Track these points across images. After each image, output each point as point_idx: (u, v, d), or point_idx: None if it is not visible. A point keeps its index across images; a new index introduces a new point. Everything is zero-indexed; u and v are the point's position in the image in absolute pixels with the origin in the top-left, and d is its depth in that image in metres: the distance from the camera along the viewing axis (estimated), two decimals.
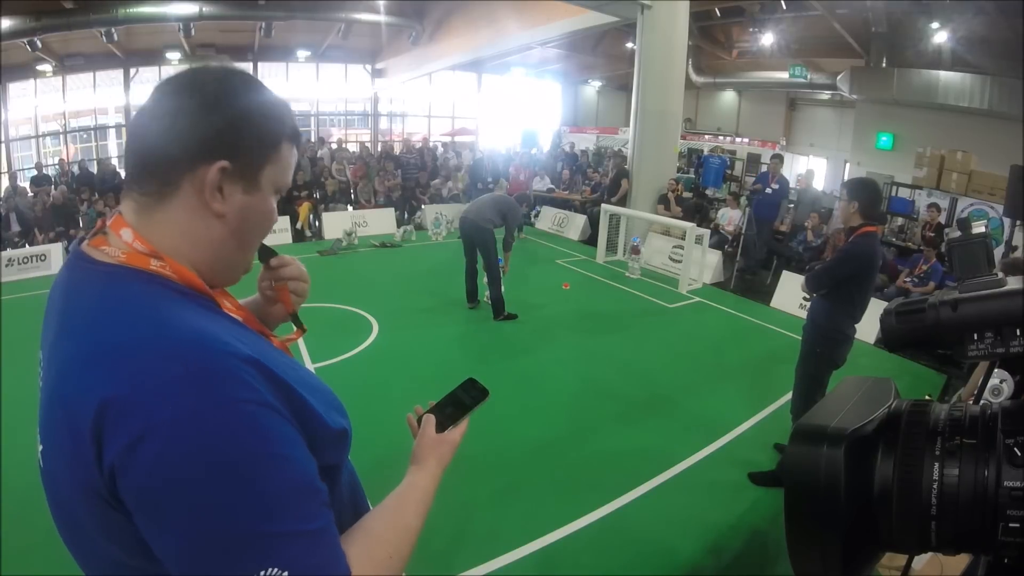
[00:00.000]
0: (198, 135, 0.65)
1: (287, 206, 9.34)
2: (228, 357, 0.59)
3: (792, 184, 9.01)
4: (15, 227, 8.10)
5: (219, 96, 0.66)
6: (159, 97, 0.67)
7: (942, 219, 7.15)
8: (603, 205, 8.36)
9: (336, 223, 9.05)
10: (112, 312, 0.60)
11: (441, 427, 0.88)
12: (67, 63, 12.23)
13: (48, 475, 0.62)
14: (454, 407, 0.90)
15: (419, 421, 0.89)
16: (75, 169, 10.10)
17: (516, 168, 10.45)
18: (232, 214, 0.69)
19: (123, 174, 10.81)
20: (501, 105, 19.63)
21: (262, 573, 0.55)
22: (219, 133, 0.65)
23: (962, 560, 0.73)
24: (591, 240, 9.01)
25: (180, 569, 0.56)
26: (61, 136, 13.68)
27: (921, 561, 1.80)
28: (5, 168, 12.16)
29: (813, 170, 10.52)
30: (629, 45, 14.23)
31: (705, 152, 13.31)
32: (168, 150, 0.64)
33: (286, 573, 0.56)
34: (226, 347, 0.59)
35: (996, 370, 0.68)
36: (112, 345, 0.57)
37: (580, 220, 9.82)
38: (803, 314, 4.13)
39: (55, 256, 7.52)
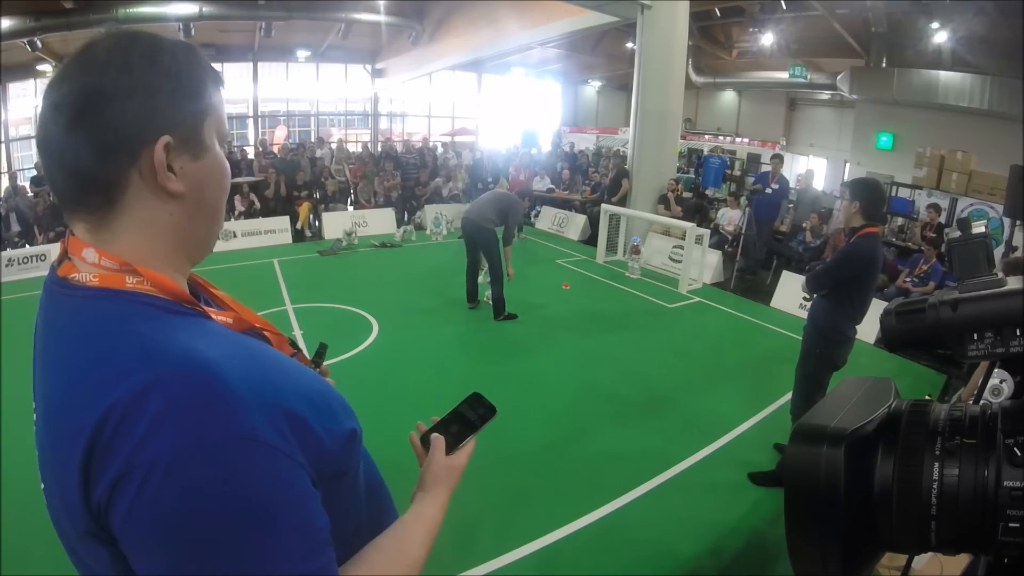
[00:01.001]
0: (128, 120, 0.57)
1: (287, 206, 9.35)
2: (218, 384, 0.53)
3: (792, 184, 9.02)
4: (15, 227, 8.10)
5: (132, 69, 0.57)
6: (63, 100, 0.57)
7: (942, 219, 7.15)
8: (603, 205, 8.36)
9: (336, 223, 9.06)
10: (91, 342, 0.56)
11: (448, 448, 0.82)
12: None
13: (51, 510, 0.61)
14: (460, 425, 0.84)
15: (422, 439, 0.84)
16: None
17: (516, 168, 10.45)
18: (190, 187, 0.62)
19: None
20: (501, 105, 19.63)
21: None
22: (149, 109, 0.58)
23: (962, 560, 0.73)
24: (591, 240, 9.01)
25: None
26: None
27: (921, 561, 1.80)
28: (5, 168, 12.16)
29: (813, 170, 10.52)
30: (629, 45, 14.24)
31: (705, 152, 13.31)
32: (101, 150, 0.57)
33: None
34: (217, 373, 0.54)
35: (996, 370, 0.68)
36: (97, 372, 0.54)
37: (580, 220, 9.82)
38: (803, 314, 4.14)
39: (55, 256, 7.51)
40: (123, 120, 0.57)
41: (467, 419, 0.85)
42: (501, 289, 5.49)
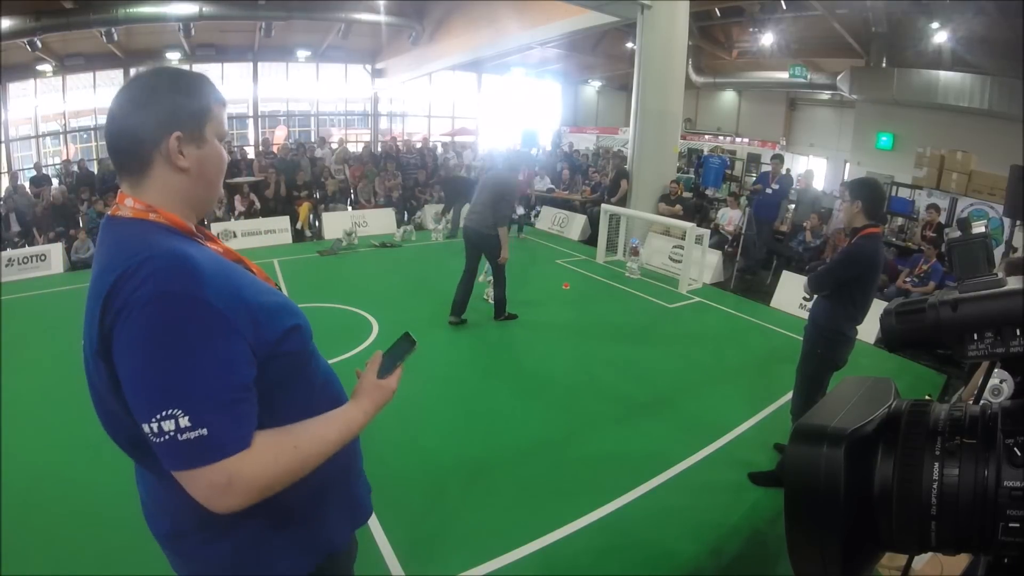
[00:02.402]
0: (154, 120, 0.92)
1: (287, 206, 9.35)
2: (190, 264, 0.85)
3: (792, 184, 9.01)
4: (15, 227, 8.10)
5: (159, 89, 0.94)
6: (119, 104, 0.94)
7: (942, 219, 7.15)
8: (603, 205, 8.36)
9: (336, 223, 9.06)
10: (123, 242, 0.90)
11: (380, 373, 1.09)
12: (67, 63, 12.23)
13: (86, 368, 0.93)
14: (391, 359, 1.11)
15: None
16: (75, 169, 10.09)
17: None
18: (194, 166, 0.96)
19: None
20: (501, 105, 19.63)
21: (168, 411, 0.80)
22: (168, 114, 0.93)
23: (962, 560, 0.73)
24: (591, 240, 9.01)
25: (129, 396, 0.84)
26: (61, 136, 13.69)
27: (921, 561, 1.79)
28: (5, 168, 12.16)
29: (812, 170, 10.50)
30: (629, 45, 14.24)
31: (705, 152, 13.31)
32: (139, 138, 0.93)
33: (187, 418, 0.80)
34: (192, 259, 0.86)
35: (996, 370, 0.68)
36: (121, 256, 0.86)
37: (580, 220, 9.82)
38: (803, 314, 4.13)
39: (55, 256, 7.52)
40: (153, 121, 0.93)
41: (395, 353, 1.12)
42: (504, 290, 5.45)
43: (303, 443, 0.92)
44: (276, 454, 0.87)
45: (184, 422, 0.80)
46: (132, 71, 13.34)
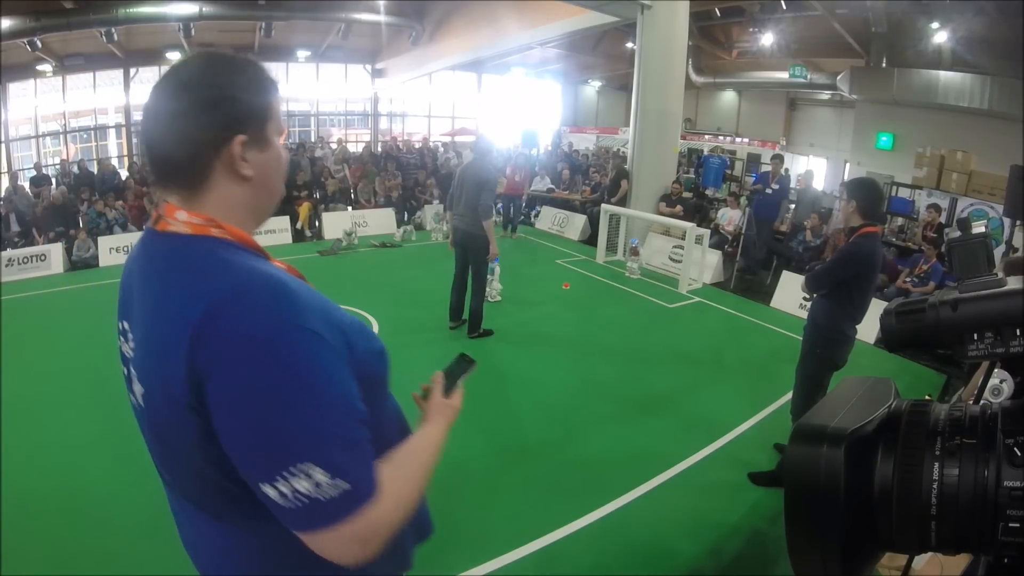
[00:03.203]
0: (215, 124, 0.77)
1: (287, 206, 9.34)
2: (286, 289, 0.74)
3: (792, 184, 9.02)
4: (15, 227, 8.10)
5: (217, 83, 0.78)
6: (166, 100, 0.77)
7: (942, 219, 7.15)
8: (603, 205, 8.36)
9: (336, 223, 9.05)
10: (194, 266, 0.76)
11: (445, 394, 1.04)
12: (67, 63, 12.23)
13: (149, 410, 0.78)
14: (451, 378, 1.06)
15: (423, 396, 1.04)
16: (75, 169, 10.10)
17: (512, 169, 10.31)
18: (257, 172, 0.82)
19: (123, 175, 10.58)
20: (501, 105, 19.63)
21: (300, 467, 0.69)
22: (229, 115, 0.78)
23: (962, 560, 0.73)
24: (591, 240, 9.01)
25: (240, 451, 0.71)
26: (61, 136, 13.69)
27: (921, 561, 1.79)
28: (5, 168, 12.16)
29: (812, 170, 10.50)
30: (629, 45, 14.24)
31: (705, 152, 13.31)
32: (195, 143, 0.77)
33: (324, 473, 0.69)
34: (285, 282, 0.75)
35: (996, 370, 0.67)
36: (199, 285, 0.73)
37: (580, 220, 9.82)
38: (803, 314, 4.14)
39: (55, 256, 7.52)
40: (212, 123, 0.77)
41: (454, 373, 1.07)
42: (482, 302, 5.12)
43: (412, 474, 0.84)
44: (398, 492, 0.79)
45: (320, 477, 0.69)
46: (132, 71, 13.39)
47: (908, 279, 6.15)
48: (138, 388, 0.79)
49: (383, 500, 0.75)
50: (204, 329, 0.69)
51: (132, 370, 0.80)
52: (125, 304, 0.84)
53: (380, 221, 9.65)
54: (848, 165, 13.50)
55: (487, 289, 5.84)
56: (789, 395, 3.42)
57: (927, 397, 1.82)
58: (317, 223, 9.32)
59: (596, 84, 20.58)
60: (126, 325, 0.83)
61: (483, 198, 4.72)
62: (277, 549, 0.80)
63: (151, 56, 13.01)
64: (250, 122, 0.79)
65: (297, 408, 0.69)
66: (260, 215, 0.88)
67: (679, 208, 8.35)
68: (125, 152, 14.07)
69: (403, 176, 10.79)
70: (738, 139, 16.23)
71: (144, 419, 0.80)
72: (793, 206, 8.51)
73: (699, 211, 9.00)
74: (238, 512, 0.80)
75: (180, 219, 0.78)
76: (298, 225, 9.19)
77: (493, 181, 4.94)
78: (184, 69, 0.78)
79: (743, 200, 8.93)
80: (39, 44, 10.34)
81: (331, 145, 12.22)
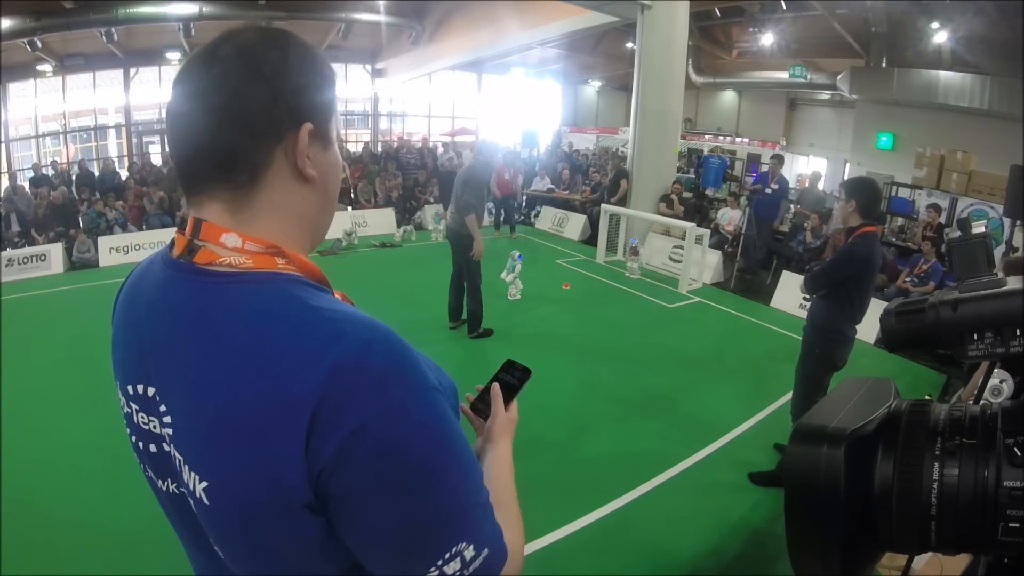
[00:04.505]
0: (280, 104, 0.61)
1: None
2: (407, 347, 0.59)
3: (793, 184, 9.01)
4: (15, 227, 8.10)
5: (288, 61, 0.63)
6: (216, 82, 0.60)
7: (942, 219, 7.15)
8: (603, 205, 8.36)
9: (336, 223, 8.95)
10: (277, 320, 0.57)
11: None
12: (67, 63, 12.23)
13: (223, 510, 0.59)
14: (505, 390, 0.94)
15: (472, 407, 0.93)
16: (75, 169, 10.10)
17: (500, 168, 10.21)
18: (320, 175, 0.66)
19: (123, 175, 10.54)
20: (501, 105, 19.63)
21: (454, 549, 0.58)
22: (299, 98, 0.62)
23: (962, 560, 0.73)
24: (591, 240, 9.01)
25: (385, 547, 0.58)
26: (61, 136, 13.69)
27: (921, 561, 1.79)
28: (5, 168, 12.16)
29: (819, 172, 10.48)
30: (629, 45, 14.24)
31: (705, 152, 13.30)
32: (253, 130, 0.60)
33: (472, 547, 0.59)
34: (398, 335, 0.60)
35: (996, 370, 0.67)
36: (298, 353, 0.55)
37: (580, 220, 9.82)
38: (803, 314, 4.13)
39: (55, 256, 7.52)
40: (276, 104, 0.60)
41: (508, 383, 0.95)
42: (479, 302, 5.07)
43: (515, 513, 0.76)
44: (517, 540, 0.70)
45: (469, 553, 0.59)
46: (132, 71, 13.39)
47: (908, 279, 6.15)
48: (193, 480, 0.60)
49: (512, 555, 0.66)
50: (326, 406, 0.53)
51: (176, 454, 0.62)
52: (134, 359, 0.65)
53: (380, 221, 9.65)
54: (848, 165, 13.50)
55: (509, 288, 5.78)
56: (789, 395, 3.42)
57: (927, 397, 1.82)
58: None
59: (596, 84, 20.59)
60: (145, 389, 0.64)
61: (466, 195, 4.68)
62: None
63: (151, 56, 13.01)
64: (317, 113, 0.64)
65: (447, 484, 0.59)
66: (319, 232, 0.71)
67: (679, 208, 8.35)
68: (125, 152, 14.07)
69: (403, 176, 10.79)
70: (738, 139, 16.23)
71: (209, 517, 0.61)
72: (794, 205, 8.51)
73: (699, 211, 9.00)
74: None
75: (231, 245, 0.60)
76: None
77: (479, 179, 4.84)
78: (240, 43, 0.62)
79: (743, 200, 8.93)
80: (39, 44, 10.34)
81: None
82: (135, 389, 0.65)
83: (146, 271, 0.68)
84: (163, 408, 0.62)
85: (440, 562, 0.58)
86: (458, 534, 0.59)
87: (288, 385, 0.54)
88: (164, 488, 0.67)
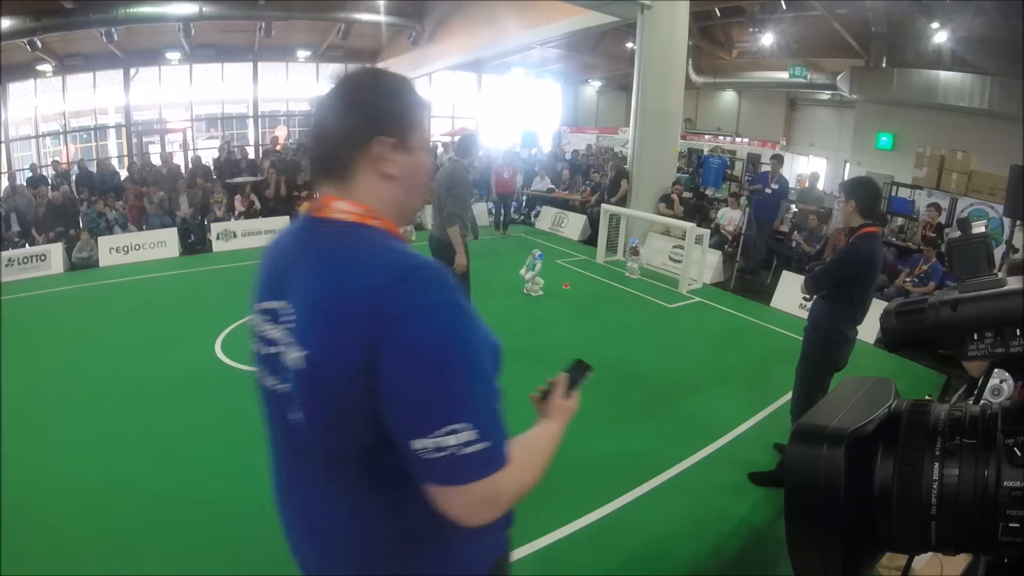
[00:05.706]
0: (366, 124, 0.88)
1: (287, 206, 9.34)
2: (447, 273, 0.84)
3: (793, 184, 9.00)
4: (15, 227, 8.10)
5: (365, 90, 0.90)
6: (325, 102, 0.91)
7: (942, 219, 7.15)
8: (603, 205, 8.36)
9: None
10: (369, 246, 0.86)
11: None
12: (67, 63, 12.23)
13: (311, 372, 0.82)
14: (571, 382, 1.16)
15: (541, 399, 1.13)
16: (75, 169, 10.09)
17: (498, 168, 10.06)
18: (402, 173, 0.92)
19: (122, 175, 10.57)
20: (501, 105, 19.62)
21: (454, 426, 0.77)
22: (373, 118, 0.89)
23: (962, 560, 0.73)
24: (591, 240, 9.01)
25: (403, 407, 0.78)
26: (61, 136, 13.68)
27: (921, 561, 1.79)
28: (5, 168, 12.16)
29: (818, 172, 10.48)
30: (629, 45, 14.23)
31: (705, 152, 13.31)
32: (347, 141, 0.89)
33: (471, 432, 0.77)
34: (443, 269, 0.85)
35: (996, 370, 0.67)
36: (377, 262, 0.83)
37: (580, 220, 9.82)
38: (803, 314, 4.14)
39: (55, 256, 7.52)
40: (358, 120, 0.89)
41: (573, 377, 1.17)
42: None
43: (534, 457, 0.95)
44: (522, 469, 0.88)
45: (468, 435, 0.77)
46: (132, 71, 13.40)
47: (908, 279, 6.15)
48: (295, 355, 0.84)
49: (511, 470, 0.83)
50: (382, 298, 0.78)
51: (289, 339, 0.86)
52: (273, 284, 0.92)
53: None
54: (848, 165, 13.49)
55: (527, 284, 5.72)
56: (789, 395, 3.42)
57: (927, 397, 1.82)
58: None
59: (596, 84, 20.58)
60: (276, 305, 0.90)
61: (449, 203, 4.17)
62: (407, 515, 0.88)
63: (151, 56, 13.01)
64: (393, 128, 0.90)
65: (460, 372, 0.79)
66: (405, 213, 0.98)
67: (679, 208, 8.35)
68: (125, 152, 14.07)
69: None
70: (738, 139, 16.23)
71: (300, 382, 0.84)
72: (794, 204, 8.51)
73: (699, 211, 9.00)
74: (374, 476, 0.87)
75: (341, 208, 0.89)
76: None
77: (462, 184, 4.28)
78: (347, 79, 0.92)
79: (743, 200, 8.93)
80: (39, 44, 10.33)
81: None
82: (267, 306, 0.92)
83: (283, 232, 0.98)
84: (290, 309, 0.87)
85: (442, 430, 0.76)
86: (460, 415, 0.77)
87: (367, 284, 0.80)
88: (270, 386, 0.92)
